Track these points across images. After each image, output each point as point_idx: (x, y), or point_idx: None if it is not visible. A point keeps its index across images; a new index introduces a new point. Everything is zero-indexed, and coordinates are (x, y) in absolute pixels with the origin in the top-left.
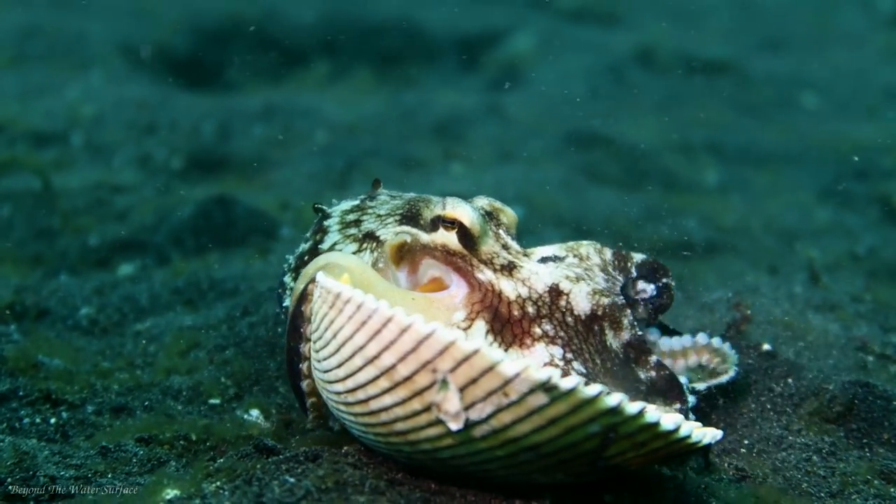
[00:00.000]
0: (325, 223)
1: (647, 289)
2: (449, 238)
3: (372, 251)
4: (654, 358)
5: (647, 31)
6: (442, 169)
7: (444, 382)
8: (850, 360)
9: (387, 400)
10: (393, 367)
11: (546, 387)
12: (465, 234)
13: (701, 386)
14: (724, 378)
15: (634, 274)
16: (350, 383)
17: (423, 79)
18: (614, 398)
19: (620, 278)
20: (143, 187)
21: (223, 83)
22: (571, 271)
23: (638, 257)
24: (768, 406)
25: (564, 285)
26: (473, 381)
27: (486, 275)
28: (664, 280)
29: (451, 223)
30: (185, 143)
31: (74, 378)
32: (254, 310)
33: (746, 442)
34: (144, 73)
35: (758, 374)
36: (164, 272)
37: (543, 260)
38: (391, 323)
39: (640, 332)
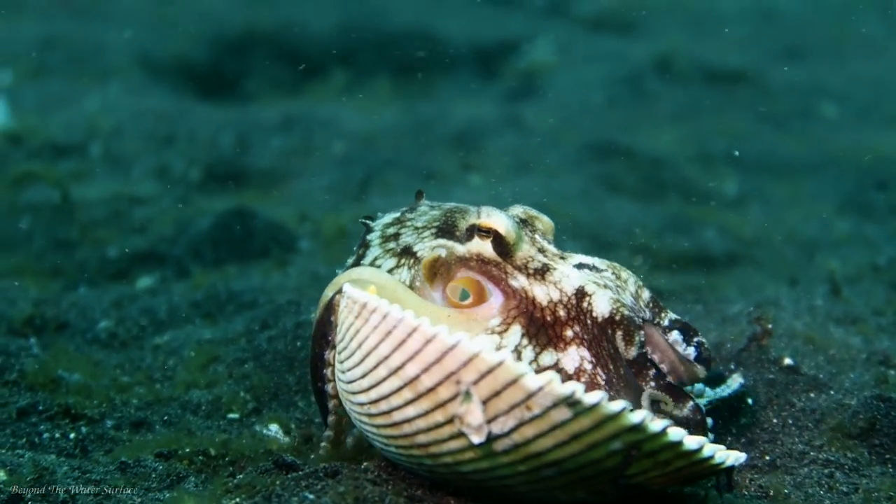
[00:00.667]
0: (368, 237)
1: (689, 352)
2: (484, 247)
3: (409, 268)
4: (653, 371)
5: (666, 40)
6: (460, 180)
7: (468, 394)
8: (871, 375)
9: (409, 411)
10: (417, 377)
11: (570, 401)
12: (500, 242)
13: (702, 400)
14: (726, 390)
15: (665, 324)
16: (373, 394)
17: (441, 88)
18: (637, 415)
19: (647, 314)
20: (162, 199)
21: (241, 94)
22: (602, 279)
23: (671, 314)
24: (790, 421)
25: (590, 288)
26: (497, 393)
27: (519, 281)
28: (696, 339)
29: (487, 232)
30: (203, 155)
31: (93, 392)
32: (273, 323)
33: (768, 458)
34: (163, 83)
35: (779, 389)
36: (182, 285)
37: (580, 266)
38: (416, 333)
39: (647, 353)
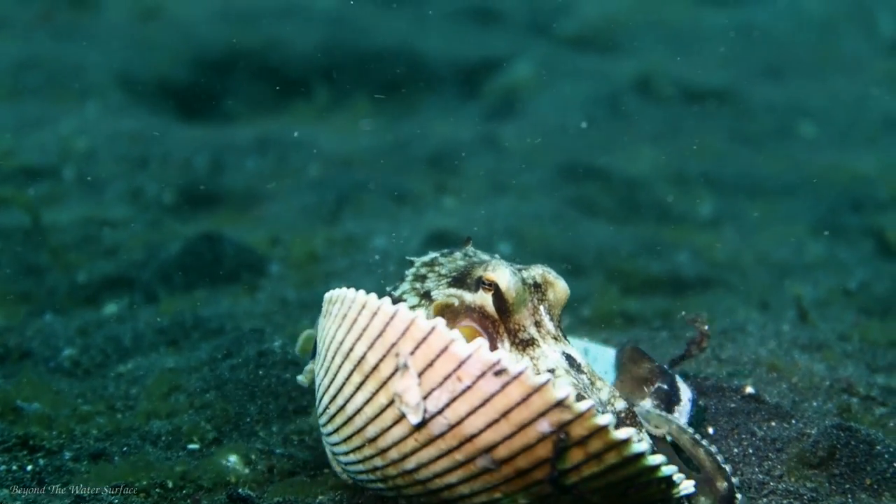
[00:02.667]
0: (406, 271)
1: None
2: (486, 300)
3: (425, 310)
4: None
5: (647, 59)
6: (434, 202)
7: (405, 367)
8: (834, 403)
9: (359, 399)
10: (363, 357)
11: (496, 370)
12: (499, 297)
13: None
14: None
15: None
16: (332, 389)
17: (421, 107)
18: (563, 390)
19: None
20: (134, 222)
21: (220, 114)
22: (575, 378)
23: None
24: (750, 451)
25: (555, 378)
26: (430, 364)
27: (504, 346)
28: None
29: (489, 285)
30: (177, 177)
31: (53, 423)
32: (236, 352)
33: None
34: (142, 104)
35: (741, 418)
36: (150, 310)
37: (569, 358)
38: (365, 309)
39: None
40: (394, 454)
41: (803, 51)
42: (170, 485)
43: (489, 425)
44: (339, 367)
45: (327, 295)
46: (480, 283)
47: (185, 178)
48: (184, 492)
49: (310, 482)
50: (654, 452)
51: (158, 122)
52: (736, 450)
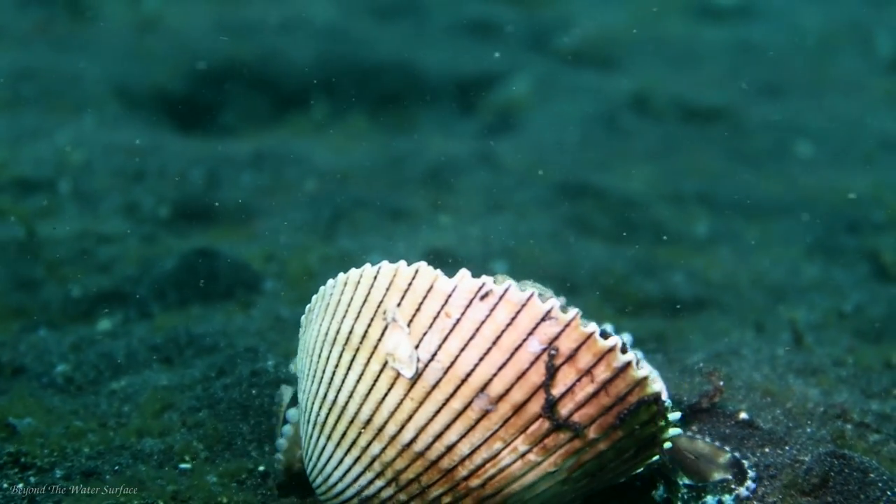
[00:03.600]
0: None
1: None
2: None
3: None
4: None
5: (644, 76)
6: (430, 220)
7: (394, 321)
8: (828, 429)
9: (350, 379)
10: (351, 331)
11: (482, 294)
12: None
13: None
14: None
15: None
16: (322, 389)
17: (419, 122)
18: (548, 303)
19: None
20: (129, 237)
21: (217, 127)
22: None
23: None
24: None
25: None
26: (418, 308)
27: None
28: None
29: None
30: (172, 191)
31: (45, 440)
32: (229, 370)
33: None
34: (139, 116)
35: (734, 444)
36: (144, 326)
37: None
38: (346, 285)
39: None
40: (391, 428)
41: (801, 69)
42: None
43: (482, 358)
44: (327, 357)
45: (307, 308)
46: None
47: (181, 192)
48: None
49: (301, 503)
50: (640, 365)
51: (155, 134)
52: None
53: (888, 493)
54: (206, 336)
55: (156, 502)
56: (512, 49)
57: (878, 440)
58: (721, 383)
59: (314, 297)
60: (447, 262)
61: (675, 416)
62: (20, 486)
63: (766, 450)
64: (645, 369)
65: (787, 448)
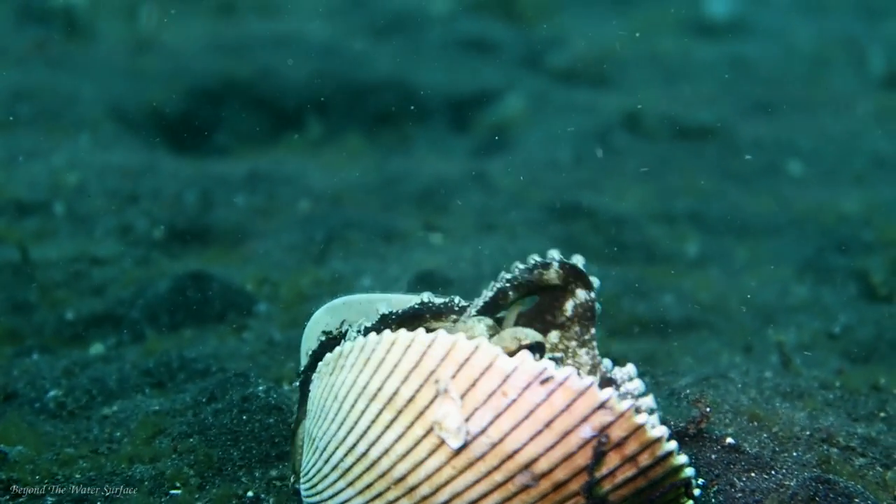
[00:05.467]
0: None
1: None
2: None
3: None
4: None
5: (636, 94)
6: (422, 241)
7: (445, 392)
8: (814, 454)
9: (388, 438)
10: (395, 392)
11: (542, 379)
12: None
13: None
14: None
15: None
16: (351, 438)
17: (413, 141)
18: (606, 392)
19: None
20: (123, 259)
21: (212, 146)
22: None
23: None
24: (730, 502)
25: None
26: (474, 384)
27: None
28: None
29: None
30: (166, 213)
31: (37, 467)
32: (220, 396)
33: None
34: (134, 136)
35: (720, 469)
36: (136, 350)
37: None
38: (395, 345)
39: None
40: (425, 489)
41: (793, 87)
42: None
43: (532, 438)
44: (363, 411)
45: (336, 350)
46: None
47: (175, 214)
48: None
49: None
50: (680, 452)
51: (150, 154)
52: (714, 501)
53: None
54: (198, 360)
55: None
56: (506, 67)
57: (863, 464)
58: (708, 409)
59: (349, 344)
60: (439, 285)
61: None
62: None
63: (752, 474)
64: (683, 457)
65: (773, 472)
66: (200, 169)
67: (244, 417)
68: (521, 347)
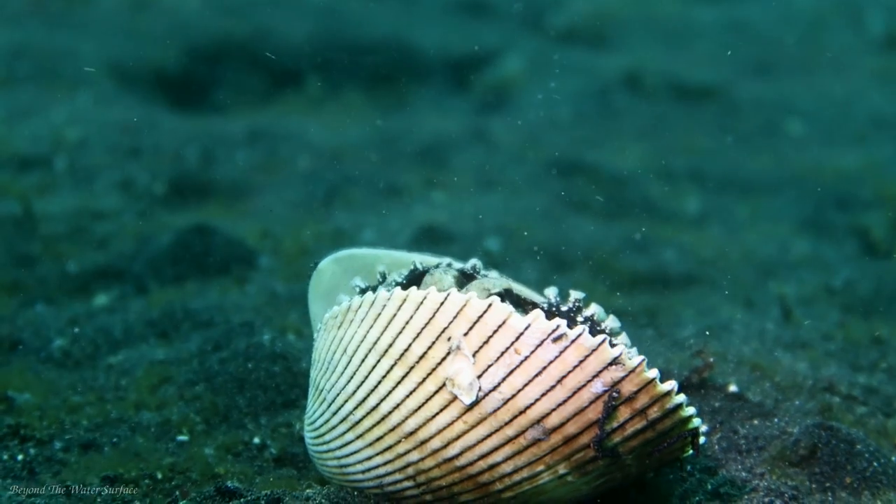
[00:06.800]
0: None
1: None
2: None
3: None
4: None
5: (636, 54)
6: (423, 197)
7: (458, 349)
8: (816, 402)
9: (399, 393)
10: (407, 348)
11: (554, 336)
12: None
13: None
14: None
15: None
16: (361, 392)
17: (412, 100)
18: (617, 349)
19: None
20: (125, 213)
21: (211, 104)
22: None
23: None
24: (733, 448)
25: None
26: (487, 341)
27: None
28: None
29: None
30: (168, 168)
31: (44, 413)
32: (225, 344)
33: (710, 486)
34: (133, 93)
35: (724, 416)
36: (140, 302)
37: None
38: (407, 302)
39: None
40: (436, 443)
41: (792, 47)
42: (159, 476)
43: (544, 393)
44: (373, 366)
45: (345, 304)
46: None
47: (176, 169)
48: (173, 483)
49: (297, 474)
50: (689, 404)
51: (150, 111)
52: (718, 447)
53: (874, 463)
54: (202, 311)
55: (154, 473)
56: (505, 27)
57: (864, 413)
58: (711, 359)
59: (356, 298)
60: (441, 240)
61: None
62: (19, 457)
63: (755, 422)
64: (691, 409)
65: (775, 420)
66: (200, 125)
67: (249, 365)
68: (490, 295)
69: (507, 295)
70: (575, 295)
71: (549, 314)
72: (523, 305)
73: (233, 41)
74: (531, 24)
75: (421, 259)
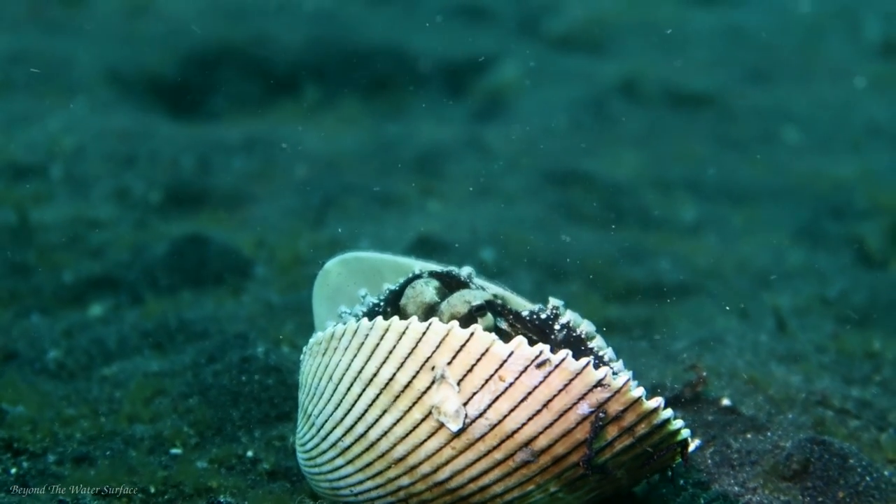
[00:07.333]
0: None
1: None
2: None
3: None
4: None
5: (632, 61)
6: (419, 206)
7: (442, 378)
8: (809, 416)
9: (386, 421)
10: (392, 378)
11: (538, 362)
12: None
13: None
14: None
15: None
16: (349, 420)
17: (409, 107)
18: (601, 371)
19: None
20: (120, 222)
21: (208, 111)
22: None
23: None
24: (725, 462)
25: None
26: (470, 369)
27: None
28: None
29: None
30: (164, 177)
31: (38, 426)
32: (219, 357)
33: (702, 502)
34: (130, 100)
35: (717, 430)
36: (135, 312)
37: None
38: (389, 332)
39: None
40: (425, 468)
41: (789, 54)
42: (152, 490)
43: (531, 417)
44: (359, 395)
45: (328, 331)
46: None
47: (172, 177)
48: (166, 497)
49: (291, 488)
50: (675, 417)
51: (146, 118)
52: (710, 461)
53: (867, 478)
54: (197, 322)
55: (147, 487)
56: (502, 33)
57: (857, 426)
58: (704, 374)
59: (341, 327)
60: (436, 249)
61: (695, 445)
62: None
63: (748, 436)
64: (679, 422)
65: (768, 434)
66: (197, 133)
67: (243, 378)
68: (471, 309)
69: (488, 306)
70: (553, 302)
71: (531, 322)
72: (505, 316)
73: (229, 48)
74: (527, 31)
75: (422, 266)
